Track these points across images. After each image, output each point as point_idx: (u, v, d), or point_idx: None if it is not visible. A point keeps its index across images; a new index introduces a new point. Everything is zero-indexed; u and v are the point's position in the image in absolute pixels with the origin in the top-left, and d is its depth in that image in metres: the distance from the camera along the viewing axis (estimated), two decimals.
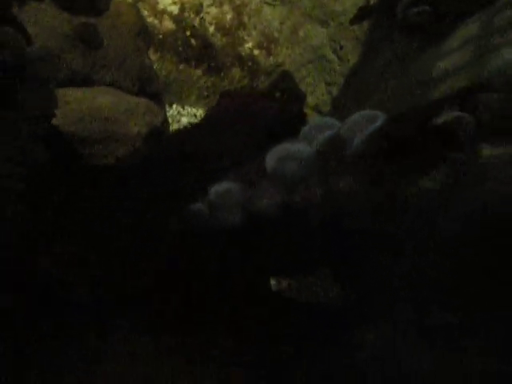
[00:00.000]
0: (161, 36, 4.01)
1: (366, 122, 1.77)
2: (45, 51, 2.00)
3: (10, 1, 2.10)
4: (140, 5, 3.95)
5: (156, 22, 4.02)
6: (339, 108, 4.06)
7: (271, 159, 1.74)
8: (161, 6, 4.04)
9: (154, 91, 2.98)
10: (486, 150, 2.08)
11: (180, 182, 2.03)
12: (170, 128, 3.72)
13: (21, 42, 1.85)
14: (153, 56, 3.97)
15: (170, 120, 3.77)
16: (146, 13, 4.00)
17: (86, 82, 2.68)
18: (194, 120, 3.92)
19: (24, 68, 1.75)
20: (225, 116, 2.28)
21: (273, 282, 1.87)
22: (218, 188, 1.78)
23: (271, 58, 4.18)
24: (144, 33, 2.98)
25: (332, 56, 4.15)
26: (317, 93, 4.16)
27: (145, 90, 2.90)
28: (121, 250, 1.90)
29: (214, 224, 1.81)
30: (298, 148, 1.72)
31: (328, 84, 4.15)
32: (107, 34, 2.88)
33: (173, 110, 3.92)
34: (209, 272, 1.84)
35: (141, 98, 2.57)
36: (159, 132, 2.43)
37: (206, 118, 2.46)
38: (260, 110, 2.29)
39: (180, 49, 4.03)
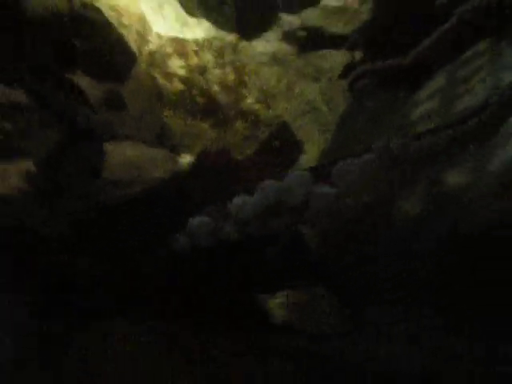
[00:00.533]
0: (171, 95, 4.54)
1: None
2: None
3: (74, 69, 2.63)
4: (152, 69, 4.52)
5: (167, 83, 4.56)
6: (331, 151, 4.56)
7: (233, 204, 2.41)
8: (170, 70, 4.59)
9: (171, 144, 3.48)
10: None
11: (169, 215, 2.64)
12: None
13: (89, 107, 2.37)
14: (167, 113, 4.51)
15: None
16: (157, 76, 4.55)
17: (114, 137, 3.20)
18: None
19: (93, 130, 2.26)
20: (202, 168, 2.81)
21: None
22: (194, 221, 2.49)
23: (270, 111, 4.71)
24: (159, 95, 3.50)
25: (324, 107, 4.69)
26: (312, 139, 4.68)
27: (163, 143, 3.41)
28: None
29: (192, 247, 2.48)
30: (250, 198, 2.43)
31: (321, 132, 4.67)
32: (129, 97, 3.40)
33: (187, 159, 4.42)
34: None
35: (161, 150, 3.07)
36: (177, 177, 2.92)
37: (190, 169, 2.98)
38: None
39: (188, 106, 4.56)
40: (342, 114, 4.63)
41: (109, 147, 2.93)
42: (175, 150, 3.41)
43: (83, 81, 3.21)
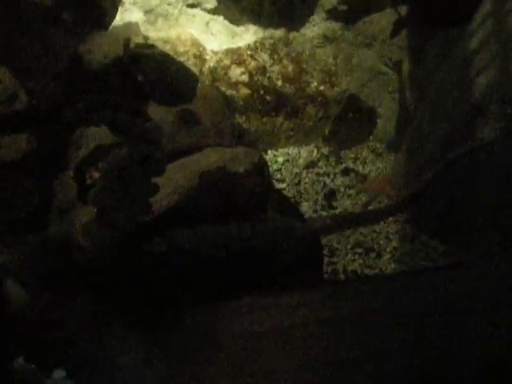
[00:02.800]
0: (241, 102, 4.83)
1: None
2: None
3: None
4: (217, 83, 4.84)
5: (234, 92, 4.86)
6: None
7: None
8: (233, 80, 4.88)
9: (248, 142, 3.74)
10: None
11: None
12: (270, 169, 4.49)
13: (159, 135, 2.69)
14: (240, 119, 4.81)
15: (269, 163, 4.54)
16: (223, 88, 4.86)
17: (196, 150, 3.49)
18: (288, 158, 4.67)
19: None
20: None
21: None
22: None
23: (336, 89, 4.90)
24: (227, 103, 3.79)
25: (385, 69, 4.81)
26: (382, 104, 4.81)
27: (239, 144, 3.67)
28: None
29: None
30: None
31: (390, 93, 4.80)
32: (201, 112, 3.69)
33: (269, 155, 4.68)
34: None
35: (239, 148, 3.34)
36: (259, 167, 3.17)
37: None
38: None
39: (259, 107, 4.84)
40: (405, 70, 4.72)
41: (195, 157, 3.22)
42: (254, 145, 3.66)
43: (157, 109, 3.53)
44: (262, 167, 3.31)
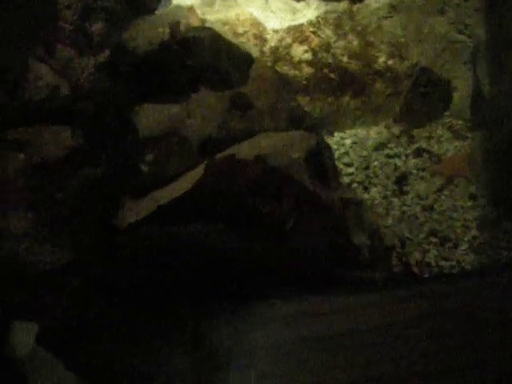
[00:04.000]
0: (304, 82, 4.54)
1: None
2: None
3: None
4: (280, 64, 4.57)
5: (297, 72, 4.58)
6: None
7: None
8: (296, 59, 4.60)
9: (307, 126, 3.46)
10: None
11: None
12: (337, 152, 4.19)
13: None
14: (303, 100, 4.52)
15: (335, 146, 4.24)
16: (285, 68, 4.59)
17: (249, 136, 3.25)
18: (355, 139, 4.34)
19: None
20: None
21: None
22: None
23: (406, 62, 4.51)
24: (285, 84, 3.52)
25: (460, 37, 4.38)
26: (458, 75, 4.39)
27: (299, 127, 3.40)
28: None
29: None
30: None
31: (466, 63, 4.37)
32: (255, 95, 3.44)
33: (336, 138, 4.38)
34: None
35: (294, 131, 3.07)
36: (315, 152, 2.89)
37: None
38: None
39: (324, 86, 4.53)
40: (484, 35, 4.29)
41: (245, 144, 2.98)
42: (313, 129, 3.38)
43: (208, 94, 3.31)
44: (320, 152, 3.02)
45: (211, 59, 3.62)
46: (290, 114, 3.49)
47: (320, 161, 2.99)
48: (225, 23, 4.80)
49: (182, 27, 3.70)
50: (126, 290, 2.31)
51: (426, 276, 3.02)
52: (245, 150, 3.03)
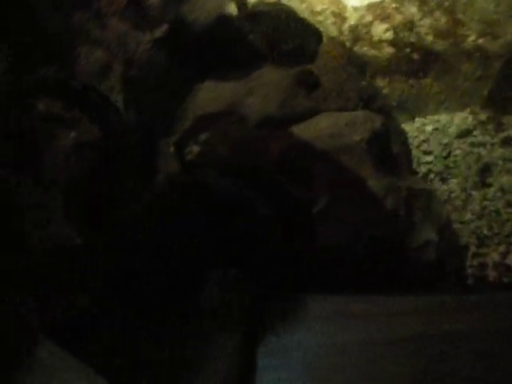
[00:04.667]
0: (384, 62, 4.22)
1: None
2: None
3: None
4: (359, 43, 4.27)
5: (376, 52, 4.26)
6: None
7: None
8: (376, 38, 4.28)
9: (378, 107, 3.17)
10: None
11: None
12: (417, 139, 3.86)
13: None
14: (382, 82, 4.20)
15: (415, 133, 3.90)
16: (365, 48, 4.28)
17: (313, 115, 2.99)
18: (437, 126, 3.98)
19: None
20: None
21: None
22: None
23: (499, 41, 4.09)
24: (354, 60, 3.25)
25: None
26: None
27: (369, 108, 3.11)
28: None
29: None
30: None
31: None
32: (322, 72, 3.19)
33: (416, 123, 4.04)
34: None
35: (359, 111, 2.79)
36: (381, 135, 2.60)
37: None
38: None
39: (405, 67, 4.19)
40: None
41: (305, 125, 2.74)
42: (386, 112, 3.09)
43: (273, 71, 3.14)
44: (386, 135, 2.72)
45: (278, 35, 3.40)
46: (359, 94, 3.21)
47: (386, 145, 2.68)
48: (303, 1, 4.53)
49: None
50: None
51: (505, 281, 2.65)
52: (302, 130, 2.79)
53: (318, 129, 2.68)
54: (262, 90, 3.19)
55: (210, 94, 3.22)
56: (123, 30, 3.04)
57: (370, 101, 3.22)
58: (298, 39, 3.44)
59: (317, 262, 2.08)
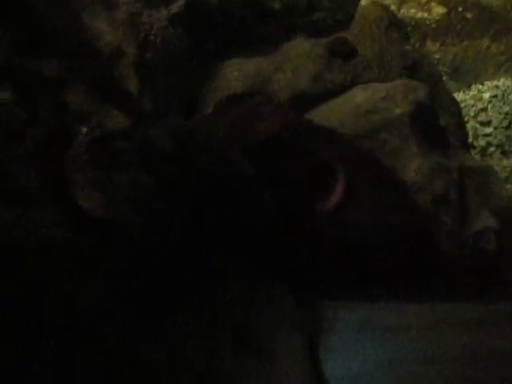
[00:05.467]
0: (434, 24, 3.83)
1: None
2: None
3: None
4: (406, 6, 3.89)
5: (425, 14, 3.88)
6: None
7: None
8: None
9: (425, 74, 2.82)
10: None
11: None
12: (473, 108, 3.47)
13: None
14: (432, 46, 3.83)
15: (471, 101, 3.52)
16: (413, 10, 3.91)
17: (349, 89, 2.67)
18: (496, 92, 3.57)
19: None
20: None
21: None
22: None
23: None
24: (396, 23, 2.89)
25: None
26: None
27: (414, 76, 2.76)
28: None
29: None
30: None
31: None
32: (358, 40, 2.86)
33: (472, 90, 3.64)
34: None
35: (399, 81, 2.44)
36: (425, 107, 2.24)
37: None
38: None
39: (458, 28, 3.78)
40: None
41: (338, 101, 2.41)
42: (431, 79, 2.72)
43: (300, 42, 2.87)
44: (432, 106, 2.36)
45: (307, 1, 3.08)
46: (402, 62, 2.84)
47: (432, 118, 2.32)
48: None
49: None
50: None
51: None
52: (337, 105, 2.46)
53: (353, 104, 2.35)
54: (291, 64, 2.89)
55: (234, 73, 2.92)
56: (135, 9, 2.77)
57: (415, 68, 2.86)
58: (330, 4, 3.10)
59: (342, 259, 1.75)
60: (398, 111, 2.28)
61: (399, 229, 1.81)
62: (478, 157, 2.97)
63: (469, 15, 3.75)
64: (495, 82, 3.64)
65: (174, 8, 2.84)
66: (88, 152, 1.90)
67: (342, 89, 2.69)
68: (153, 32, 2.80)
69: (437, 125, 2.35)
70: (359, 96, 2.42)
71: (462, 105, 3.36)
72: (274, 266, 1.66)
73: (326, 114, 2.48)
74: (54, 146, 1.82)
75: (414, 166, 2.14)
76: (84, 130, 2.14)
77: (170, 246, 1.66)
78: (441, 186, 2.11)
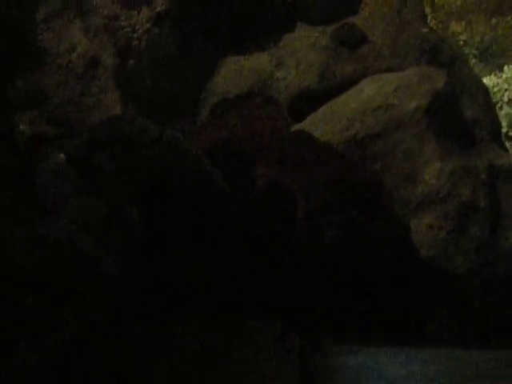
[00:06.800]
0: (459, 2, 3.49)
1: None
2: None
3: None
4: None
5: None
6: None
7: None
8: None
9: (447, 59, 2.49)
10: None
11: None
12: (507, 93, 3.11)
13: None
14: (458, 27, 3.47)
15: (504, 85, 3.15)
16: None
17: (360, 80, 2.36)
18: None
19: None
20: None
21: None
22: None
23: None
24: (411, 4, 2.57)
25: None
26: None
27: (436, 60, 2.44)
28: None
29: None
30: None
31: None
32: (367, 25, 2.57)
33: (506, 73, 3.26)
34: None
35: (412, 69, 2.11)
36: (445, 98, 1.90)
37: None
38: None
39: (485, 4, 3.42)
40: None
41: (344, 97, 2.11)
42: (454, 63, 2.39)
43: (305, 31, 2.59)
44: (451, 96, 2.02)
45: None
46: (420, 46, 2.51)
47: (454, 110, 1.98)
48: None
49: None
50: None
51: None
52: (344, 103, 2.14)
53: (361, 100, 2.03)
54: (294, 58, 2.60)
55: (231, 73, 2.64)
56: (113, 12, 2.50)
57: (434, 53, 2.53)
58: None
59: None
60: (412, 105, 1.95)
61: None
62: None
63: None
64: None
65: (158, 5, 2.56)
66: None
67: (352, 82, 2.38)
68: (135, 36, 2.53)
69: (460, 118, 2.01)
70: (368, 89, 2.10)
71: (495, 89, 2.99)
72: None
73: (332, 114, 2.16)
74: None
75: (433, 171, 1.80)
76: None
77: None
78: (467, 192, 1.76)
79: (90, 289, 1.46)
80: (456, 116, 2.00)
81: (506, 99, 3.03)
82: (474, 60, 3.11)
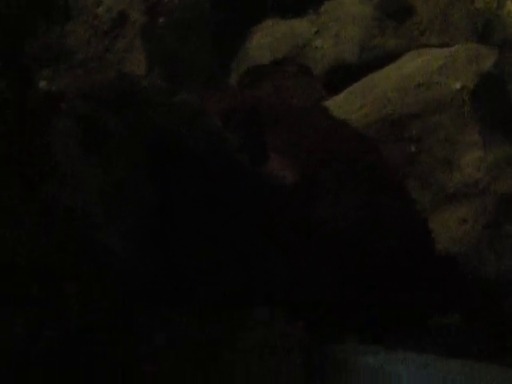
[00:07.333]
0: None
1: None
2: None
3: None
4: None
5: None
6: None
7: None
8: None
9: (500, 39, 2.33)
10: None
11: None
12: None
13: None
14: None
15: None
16: None
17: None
18: None
19: None
20: None
21: None
22: None
23: None
24: None
25: None
26: None
27: (488, 40, 2.27)
28: None
29: None
30: None
31: None
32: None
33: None
34: None
35: (461, 46, 1.94)
36: (493, 80, 1.73)
37: None
38: None
39: None
40: None
41: (385, 71, 1.96)
42: (505, 45, 2.23)
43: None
44: (499, 79, 1.86)
45: None
46: (470, 22, 2.34)
47: (502, 95, 1.81)
48: None
49: None
50: None
51: None
52: (383, 78, 1.99)
53: (402, 75, 1.87)
54: (334, 27, 2.45)
55: (266, 39, 2.51)
56: None
57: (487, 32, 2.36)
58: None
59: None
60: (457, 85, 1.78)
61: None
62: None
63: None
64: None
65: None
66: None
67: (394, 57, 2.23)
68: None
69: (507, 104, 1.84)
70: (410, 65, 1.93)
71: None
72: None
73: (369, 89, 2.01)
74: None
75: (474, 160, 1.64)
76: None
77: None
78: (509, 186, 1.61)
79: (96, 277, 1.41)
80: (503, 102, 1.83)
81: None
82: None
